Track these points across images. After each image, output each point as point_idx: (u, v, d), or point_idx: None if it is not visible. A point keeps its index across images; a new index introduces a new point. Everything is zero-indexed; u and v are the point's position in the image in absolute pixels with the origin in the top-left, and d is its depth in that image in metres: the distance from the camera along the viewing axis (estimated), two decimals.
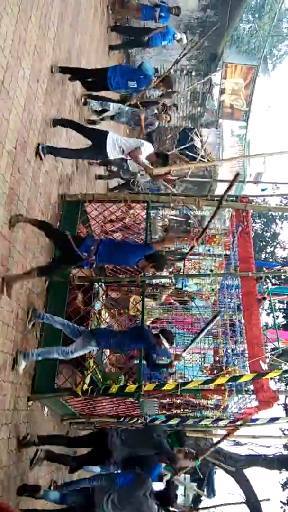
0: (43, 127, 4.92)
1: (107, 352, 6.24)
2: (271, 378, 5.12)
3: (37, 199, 4.82)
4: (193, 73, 12.05)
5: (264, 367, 4.72)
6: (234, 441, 10.45)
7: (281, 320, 13.75)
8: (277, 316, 13.53)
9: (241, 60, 15.41)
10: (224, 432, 6.35)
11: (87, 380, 5.08)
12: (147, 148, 5.07)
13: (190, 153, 10.36)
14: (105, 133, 5.08)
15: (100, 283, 6.06)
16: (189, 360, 7.24)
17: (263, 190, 11.34)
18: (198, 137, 11.93)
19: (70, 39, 6.04)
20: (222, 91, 11.53)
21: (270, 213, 15.45)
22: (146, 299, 5.80)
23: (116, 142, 4.99)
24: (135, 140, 5.21)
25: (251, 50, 23.12)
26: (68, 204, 5.73)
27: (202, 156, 10.39)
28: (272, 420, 5.20)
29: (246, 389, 4.93)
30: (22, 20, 4.16)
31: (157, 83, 6.43)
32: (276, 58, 27.58)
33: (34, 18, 4.50)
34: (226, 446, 11.16)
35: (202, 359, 7.60)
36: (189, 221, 9.05)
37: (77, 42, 6.48)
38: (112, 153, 5.05)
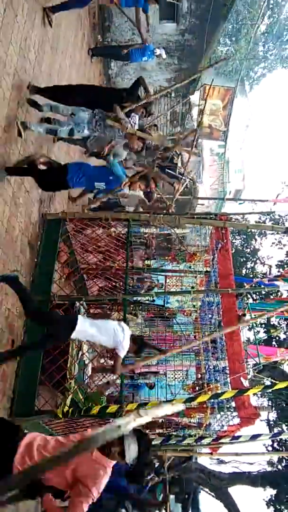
0: (23, 145, 4.95)
1: (89, 371, 6.16)
2: (253, 394, 5.15)
3: (17, 219, 4.81)
4: (173, 94, 12.34)
5: (245, 383, 4.75)
6: (217, 459, 10.36)
7: (262, 335, 13.86)
8: (258, 332, 13.63)
9: (219, 81, 15.87)
10: (207, 450, 6.32)
11: (68, 402, 4.99)
12: None
13: (170, 171, 10.52)
14: None
15: (81, 302, 6.02)
16: (172, 378, 7.21)
17: (240, 204, 11.58)
18: (178, 156, 12.14)
19: (50, 60, 6.14)
20: (200, 112, 11.83)
21: (249, 229, 15.72)
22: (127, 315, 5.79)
23: None
24: None
25: (229, 72, 23.92)
26: (49, 223, 5.73)
27: (181, 174, 10.59)
28: (255, 437, 5.20)
29: (228, 406, 4.93)
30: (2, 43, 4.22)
31: (139, 109, 6.45)
32: (253, 80, 28.57)
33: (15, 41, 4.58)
34: (209, 464, 11.07)
35: (185, 376, 7.58)
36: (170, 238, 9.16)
37: (58, 63, 6.59)
38: None
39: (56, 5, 5.86)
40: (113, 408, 4.58)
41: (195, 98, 12.65)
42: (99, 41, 10.50)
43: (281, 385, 4.56)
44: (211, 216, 6.01)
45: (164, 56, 8.82)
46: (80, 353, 5.84)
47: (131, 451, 2.65)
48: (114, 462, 2.72)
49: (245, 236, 17.23)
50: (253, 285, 6.32)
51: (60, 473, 2.60)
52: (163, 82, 12.68)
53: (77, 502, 2.55)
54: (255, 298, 12.61)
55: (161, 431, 6.10)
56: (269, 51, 26.91)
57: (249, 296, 11.29)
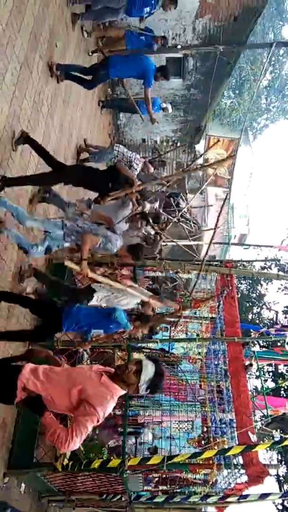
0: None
1: None
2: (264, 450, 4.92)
3: (24, 265, 4.85)
4: (178, 144, 12.79)
5: (253, 438, 4.55)
6: None
7: (270, 383, 13.46)
8: (266, 380, 13.25)
9: (223, 131, 16.50)
10: (213, 509, 5.96)
11: (68, 454, 4.80)
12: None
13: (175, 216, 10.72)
14: None
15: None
16: (176, 429, 6.94)
17: (245, 249, 11.66)
18: (184, 201, 12.41)
19: (62, 113, 6.45)
20: (206, 161, 12.22)
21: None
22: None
23: None
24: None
25: (232, 123, 24.87)
26: (56, 267, 5.76)
27: (187, 219, 10.79)
28: (264, 496, 4.91)
29: (235, 462, 4.70)
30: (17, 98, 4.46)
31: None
32: (256, 130, 29.64)
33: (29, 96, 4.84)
34: None
35: (190, 428, 7.30)
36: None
37: (69, 115, 6.91)
38: None
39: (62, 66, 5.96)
40: (115, 462, 4.39)
41: (200, 147, 13.10)
42: (108, 93, 11.04)
43: None
44: (217, 263, 6.03)
45: (170, 110, 9.26)
46: None
47: (149, 370, 2.65)
48: (121, 391, 2.68)
49: (251, 281, 17.19)
50: (260, 334, 6.22)
51: (64, 393, 2.59)
52: (169, 133, 13.19)
53: (82, 420, 2.50)
54: (262, 345, 12.38)
55: (165, 487, 5.80)
56: (272, 104, 28.09)
57: (256, 343, 11.09)
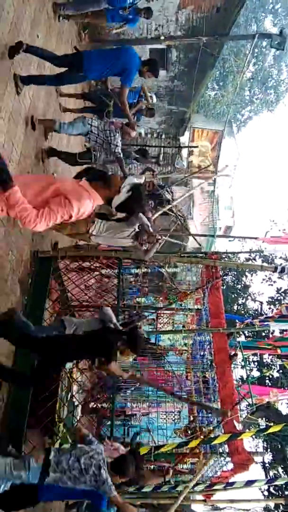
0: None
1: (79, 413, 5.99)
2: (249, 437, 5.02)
3: (8, 257, 4.81)
4: (163, 136, 12.78)
5: (239, 426, 4.64)
6: (212, 506, 9.91)
7: (255, 373, 13.68)
8: (251, 370, 13.46)
9: (208, 124, 16.51)
10: (201, 497, 6.06)
11: (57, 446, 4.81)
12: None
13: (160, 208, 10.73)
14: None
15: None
16: (163, 419, 7.02)
17: (230, 241, 11.77)
18: (169, 194, 12.44)
19: None
20: (190, 153, 12.23)
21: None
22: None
23: None
24: None
25: (217, 114, 24.92)
26: (41, 261, 5.72)
27: (172, 211, 10.80)
28: (249, 483, 5.02)
29: (221, 451, 4.79)
30: None
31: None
32: (240, 122, 29.78)
33: None
34: (204, 511, 10.56)
35: (178, 418, 7.38)
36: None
37: None
38: None
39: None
40: None
41: (184, 139, 13.11)
42: (92, 85, 10.94)
43: (275, 428, 4.47)
44: (202, 255, 6.07)
45: (154, 100, 9.20)
46: (70, 394, 5.70)
47: (132, 180, 2.72)
48: (99, 199, 2.64)
49: (236, 273, 17.36)
50: (244, 324, 6.31)
51: (39, 189, 2.50)
52: (154, 125, 13.16)
53: (54, 208, 2.43)
54: (247, 335, 12.55)
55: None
56: (255, 96, 28.22)
57: (241, 333, 11.23)
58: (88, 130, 5.87)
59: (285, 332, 6.92)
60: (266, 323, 5.66)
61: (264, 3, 25.59)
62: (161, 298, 7.28)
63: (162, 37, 10.41)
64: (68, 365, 5.83)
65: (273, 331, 7.68)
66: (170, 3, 9.83)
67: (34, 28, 5.58)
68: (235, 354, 6.00)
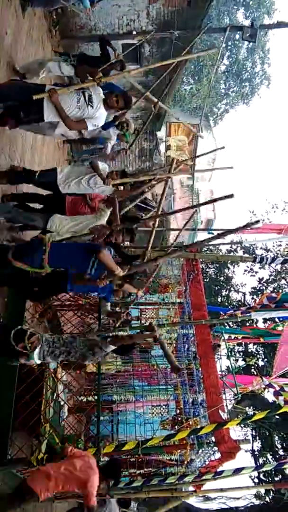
0: None
1: (65, 413, 5.96)
2: (236, 425, 5.07)
3: None
4: (140, 132, 12.73)
5: (224, 416, 4.70)
6: (203, 496, 10.04)
7: (241, 363, 13.86)
8: (237, 360, 13.62)
9: (184, 118, 16.53)
10: (191, 488, 6.12)
11: (44, 447, 4.78)
12: None
13: (141, 204, 10.71)
14: None
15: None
16: (151, 413, 7.05)
17: (210, 233, 11.87)
18: (149, 189, 12.44)
19: None
20: (167, 148, 12.24)
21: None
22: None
23: None
24: None
25: (193, 108, 25.01)
26: None
27: (153, 207, 10.79)
28: (238, 470, 5.09)
29: (208, 441, 4.84)
30: None
31: None
32: (217, 116, 29.94)
33: None
34: (195, 502, 10.70)
35: (166, 411, 7.43)
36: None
37: None
38: None
39: None
40: (90, 451, 4.41)
41: (161, 134, 13.10)
42: None
43: (259, 415, 4.54)
44: (182, 248, 6.09)
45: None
46: (55, 394, 5.67)
47: None
48: None
49: (218, 265, 17.51)
50: (227, 316, 6.38)
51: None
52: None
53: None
54: (231, 326, 12.70)
55: (142, 471, 5.90)
56: (230, 89, 28.41)
57: (225, 324, 11.35)
58: None
59: (268, 323, 7.03)
60: (248, 313, 5.73)
61: None
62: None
63: (134, 32, 10.35)
64: (52, 365, 5.80)
65: (257, 320, 7.78)
66: None
67: (1, 26, 5.49)
68: (218, 345, 6.06)
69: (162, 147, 12.90)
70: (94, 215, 4.97)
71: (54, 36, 9.03)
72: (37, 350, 3.75)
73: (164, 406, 7.13)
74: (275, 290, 14.01)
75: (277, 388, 5.85)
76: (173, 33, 9.79)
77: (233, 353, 13.14)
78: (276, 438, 13.30)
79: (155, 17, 10.25)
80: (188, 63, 12.34)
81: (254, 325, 8.38)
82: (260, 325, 9.64)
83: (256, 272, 15.94)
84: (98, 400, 4.43)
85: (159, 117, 12.80)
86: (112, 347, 4.00)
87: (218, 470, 5.15)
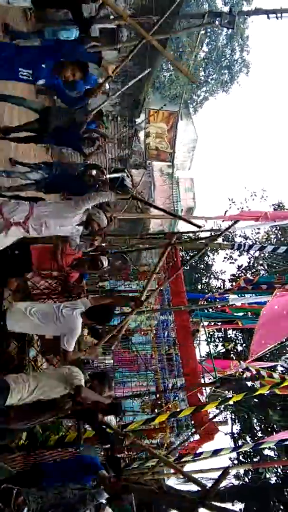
0: None
1: None
2: (215, 408, 5.19)
3: None
4: (119, 119, 12.61)
5: (203, 399, 4.80)
6: (183, 478, 10.26)
7: (221, 348, 14.11)
8: (216, 345, 13.87)
9: (164, 105, 16.44)
10: (171, 470, 6.25)
11: (24, 434, 4.80)
12: None
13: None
14: None
15: None
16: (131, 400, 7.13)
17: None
18: (128, 177, 12.38)
19: None
20: (147, 135, 12.17)
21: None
22: (85, 334, 5.67)
23: None
24: None
25: (173, 96, 24.84)
26: None
27: (133, 196, 10.75)
28: (216, 452, 5.23)
29: (186, 424, 4.95)
30: None
31: None
32: (196, 103, 29.85)
33: None
34: (176, 484, 10.93)
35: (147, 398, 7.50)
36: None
37: None
38: None
39: None
40: (71, 435, 4.46)
41: (140, 121, 13.01)
42: None
43: (236, 397, 4.66)
44: (160, 236, 6.14)
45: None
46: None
47: None
48: None
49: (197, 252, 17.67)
50: (205, 300, 6.47)
51: None
52: (109, 107, 12.94)
53: None
54: (210, 312, 12.87)
55: (123, 455, 5.98)
56: (210, 76, 28.31)
57: (205, 310, 11.50)
58: None
59: (243, 304, 7.14)
60: (225, 295, 5.83)
61: None
62: (122, 277, 7.30)
63: (112, 17, 10.17)
64: (32, 353, 5.78)
65: (233, 305, 7.92)
66: None
67: None
68: (197, 330, 6.16)
69: (141, 135, 12.83)
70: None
71: (29, 19, 8.80)
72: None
73: (146, 392, 7.20)
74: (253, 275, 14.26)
75: (254, 372, 6.01)
76: (151, 18, 9.67)
77: (212, 339, 13.37)
78: (255, 420, 13.65)
79: (133, 1, 10.10)
80: (167, 49, 12.21)
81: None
82: None
83: (236, 260, 16.17)
84: None
85: (138, 104, 12.70)
86: (106, 495, 3.50)
87: (197, 451, 5.28)
